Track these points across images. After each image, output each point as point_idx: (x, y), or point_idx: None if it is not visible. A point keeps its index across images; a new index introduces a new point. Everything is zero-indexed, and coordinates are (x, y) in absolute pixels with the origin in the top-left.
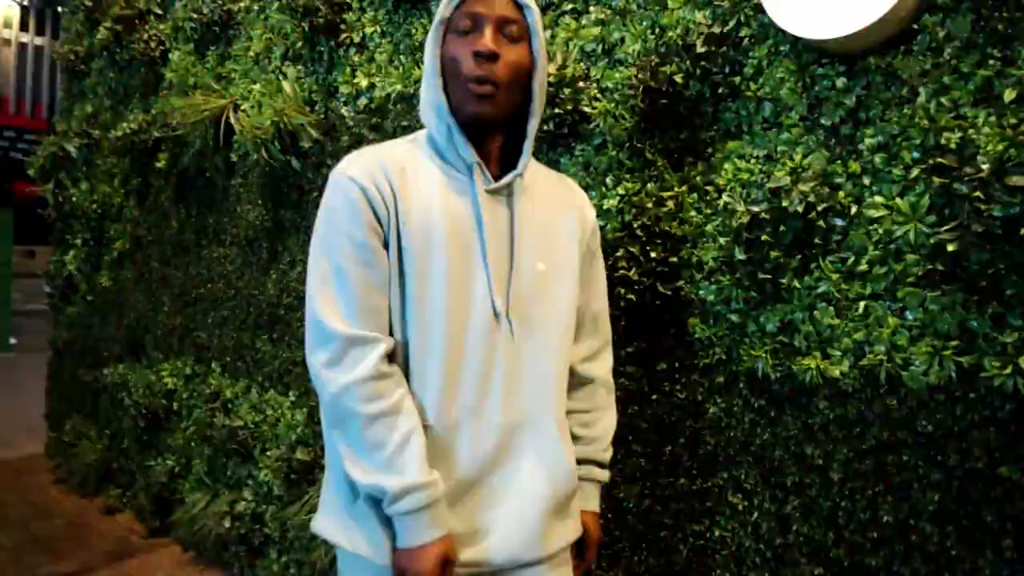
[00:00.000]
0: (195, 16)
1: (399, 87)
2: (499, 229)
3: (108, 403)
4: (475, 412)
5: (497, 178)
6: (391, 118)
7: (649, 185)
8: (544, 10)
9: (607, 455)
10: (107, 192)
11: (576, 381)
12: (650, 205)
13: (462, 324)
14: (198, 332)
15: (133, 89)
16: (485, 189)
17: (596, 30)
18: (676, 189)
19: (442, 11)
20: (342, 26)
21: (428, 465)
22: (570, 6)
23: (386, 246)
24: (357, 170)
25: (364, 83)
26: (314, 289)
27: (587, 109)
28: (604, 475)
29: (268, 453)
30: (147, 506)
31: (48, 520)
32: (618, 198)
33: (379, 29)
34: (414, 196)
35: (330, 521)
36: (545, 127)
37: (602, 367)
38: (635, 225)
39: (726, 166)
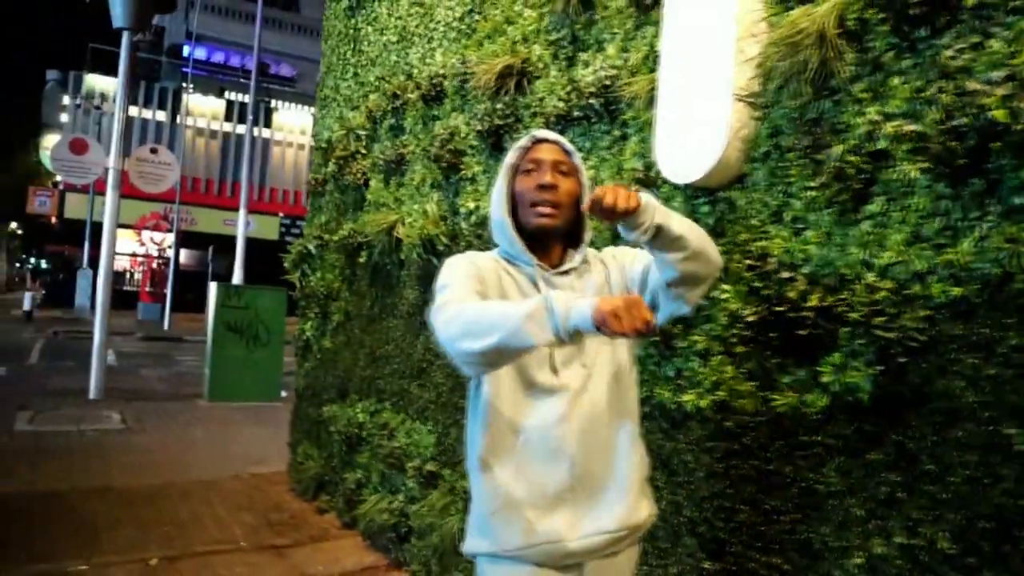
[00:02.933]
0: (383, 156)
1: (487, 210)
2: None
3: (325, 433)
4: None
5: (555, 267)
6: (487, 228)
7: None
8: None
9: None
10: (330, 279)
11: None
12: None
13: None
14: (379, 380)
15: (348, 205)
16: (547, 276)
17: (591, 172)
18: None
19: (511, 159)
20: (461, 166)
21: None
22: None
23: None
24: (466, 256)
25: (472, 205)
26: (436, 302)
27: None
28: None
29: (410, 465)
30: (343, 507)
31: (279, 513)
32: None
33: (481, 168)
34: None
35: (473, 538)
36: None
37: None
38: None
39: None
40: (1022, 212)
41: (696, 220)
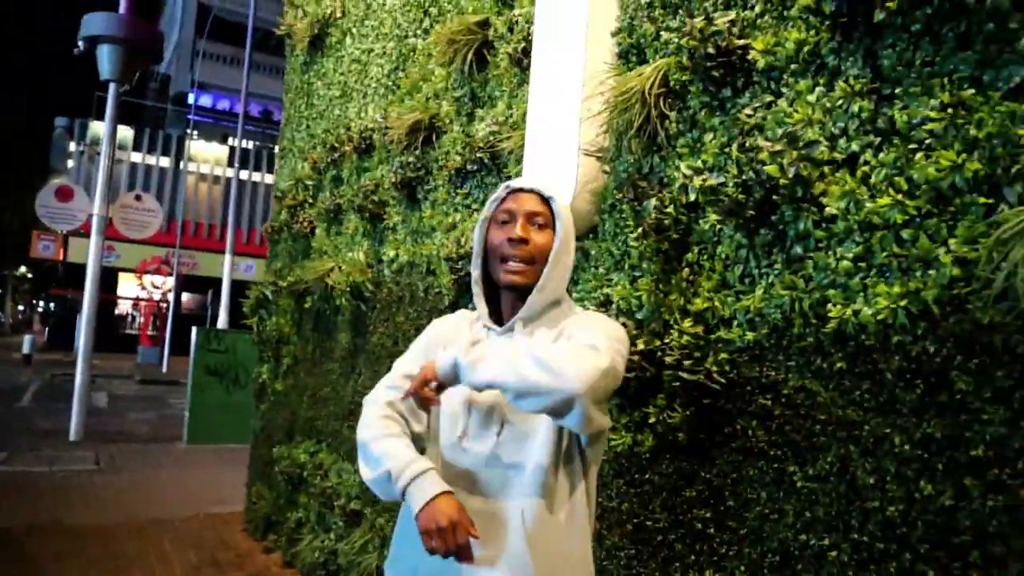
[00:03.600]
0: (324, 206)
1: (405, 257)
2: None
3: (274, 473)
4: None
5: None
6: (403, 275)
7: None
8: None
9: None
10: (282, 323)
11: None
12: None
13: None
14: (318, 421)
15: (298, 252)
16: (497, 334)
17: None
18: None
19: (486, 211)
20: (383, 215)
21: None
22: None
23: None
24: (438, 323)
25: (392, 253)
26: None
27: None
28: None
29: (337, 504)
30: (285, 545)
31: (226, 551)
32: None
33: (400, 218)
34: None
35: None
36: None
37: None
38: None
39: None
40: (801, 261)
41: None
